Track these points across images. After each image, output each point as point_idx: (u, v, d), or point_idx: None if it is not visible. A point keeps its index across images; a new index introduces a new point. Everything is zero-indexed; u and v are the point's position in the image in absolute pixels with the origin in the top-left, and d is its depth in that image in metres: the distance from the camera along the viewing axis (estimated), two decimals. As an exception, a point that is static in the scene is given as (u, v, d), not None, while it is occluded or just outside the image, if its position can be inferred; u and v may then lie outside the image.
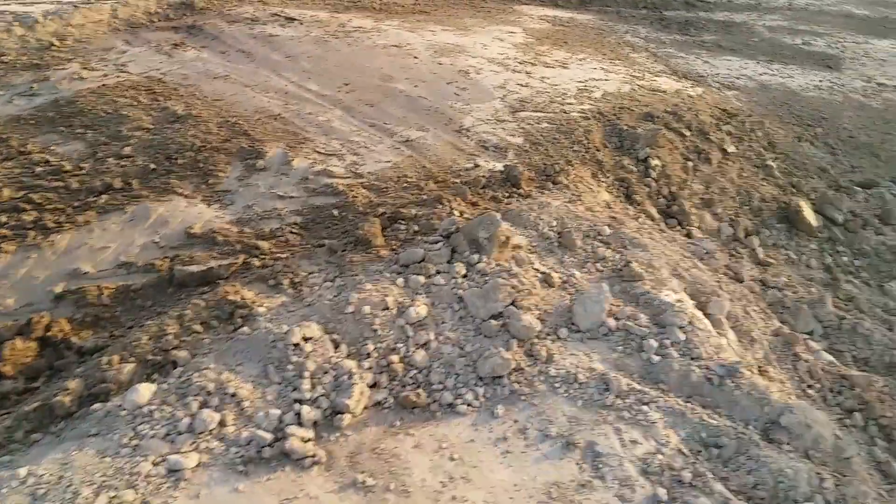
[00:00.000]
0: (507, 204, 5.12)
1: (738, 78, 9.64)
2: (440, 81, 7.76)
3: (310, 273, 4.28)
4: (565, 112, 7.02)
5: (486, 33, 10.17)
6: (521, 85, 7.84)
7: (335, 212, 5.05)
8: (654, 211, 5.92)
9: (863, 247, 6.32)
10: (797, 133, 7.96)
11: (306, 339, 3.67)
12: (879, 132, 8.58)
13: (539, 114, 7.00)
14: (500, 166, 5.78)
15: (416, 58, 8.49)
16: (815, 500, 3.48)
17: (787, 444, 3.77)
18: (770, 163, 7.07)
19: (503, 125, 6.71)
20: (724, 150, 6.90)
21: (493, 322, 3.91)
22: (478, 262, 4.27)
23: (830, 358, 5.04)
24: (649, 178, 6.22)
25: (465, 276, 4.21)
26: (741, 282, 5.41)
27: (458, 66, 8.26)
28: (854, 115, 9.04)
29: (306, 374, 3.54)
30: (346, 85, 7.52)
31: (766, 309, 5.27)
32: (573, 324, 4.11)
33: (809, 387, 4.75)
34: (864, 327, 5.29)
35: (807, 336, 5.21)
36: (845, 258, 6.20)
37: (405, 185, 5.47)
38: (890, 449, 4.47)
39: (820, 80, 10.25)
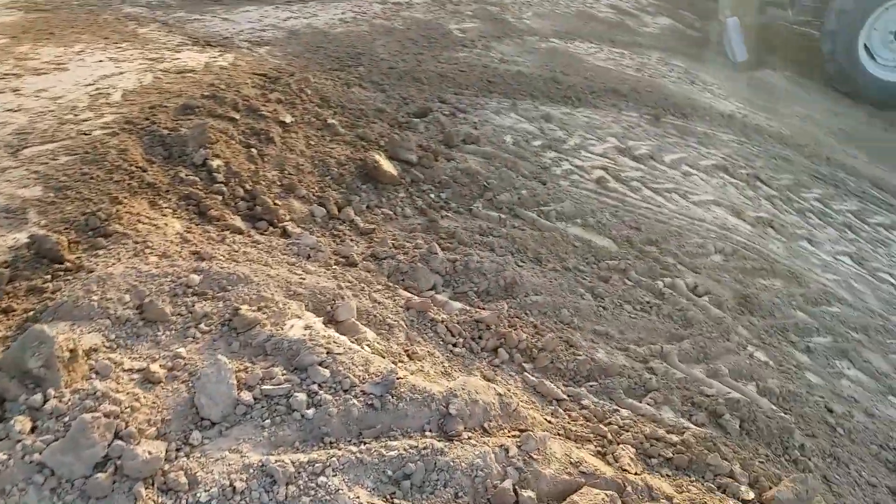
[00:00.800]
0: (53, 292, 4.11)
1: (263, 30, 9.48)
2: None
3: None
4: (85, 133, 5.94)
5: (-69, 45, 8.05)
6: (12, 110, 6.39)
7: None
8: (238, 221, 5.47)
9: (442, 178, 6.86)
10: (343, 79, 8.19)
11: None
12: (412, 55, 9.38)
13: (51, 145, 5.79)
14: (24, 238, 4.62)
15: None
16: (509, 473, 3.68)
17: (465, 430, 3.89)
18: (331, 120, 7.13)
19: (6, 176, 5.38)
20: (282, 123, 6.71)
21: (101, 475, 3.11)
22: (45, 403, 3.32)
23: (460, 305, 5.42)
24: (218, 184, 5.69)
25: (33, 430, 3.24)
26: (355, 265, 5.39)
27: None
28: (385, 42, 9.72)
29: None
30: None
31: (388, 283, 5.37)
32: (204, 419, 3.53)
33: (455, 345, 5.03)
34: (475, 260, 5.78)
35: (432, 292, 5.50)
36: (432, 195, 6.66)
37: None
38: (536, 368, 5.03)
39: (343, 13, 10.74)
